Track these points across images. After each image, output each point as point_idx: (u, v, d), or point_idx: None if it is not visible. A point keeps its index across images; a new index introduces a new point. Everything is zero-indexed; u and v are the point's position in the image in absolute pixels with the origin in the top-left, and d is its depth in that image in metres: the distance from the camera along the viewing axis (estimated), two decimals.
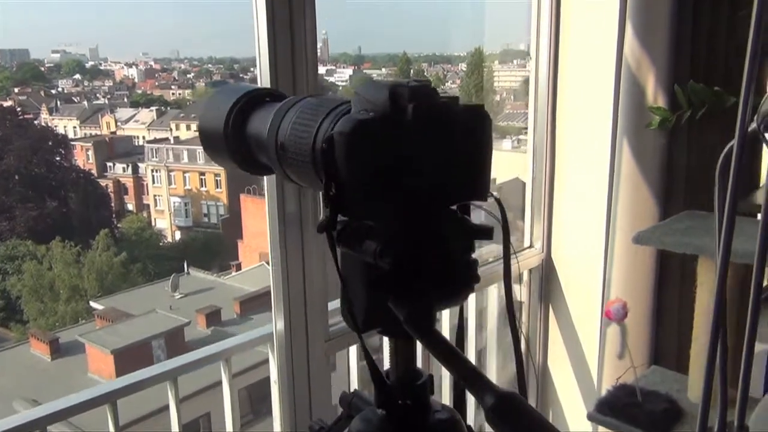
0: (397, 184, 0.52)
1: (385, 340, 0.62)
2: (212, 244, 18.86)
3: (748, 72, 0.78)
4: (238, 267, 15.75)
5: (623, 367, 1.99)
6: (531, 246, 2.26)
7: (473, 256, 0.59)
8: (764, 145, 0.79)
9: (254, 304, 12.40)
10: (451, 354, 0.50)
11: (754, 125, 0.78)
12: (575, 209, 2.18)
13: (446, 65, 20.06)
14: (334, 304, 1.78)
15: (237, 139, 0.71)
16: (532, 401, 2.36)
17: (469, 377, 0.48)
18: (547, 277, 2.26)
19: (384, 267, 0.53)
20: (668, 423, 1.65)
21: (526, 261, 2.22)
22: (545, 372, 2.34)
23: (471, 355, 2.28)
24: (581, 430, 2.20)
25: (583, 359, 2.22)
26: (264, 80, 1.41)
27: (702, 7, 1.95)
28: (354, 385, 1.88)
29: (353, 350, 1.85)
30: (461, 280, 0.58)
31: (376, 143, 0.51)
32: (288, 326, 1.59)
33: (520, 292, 2.31)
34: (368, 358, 0.59)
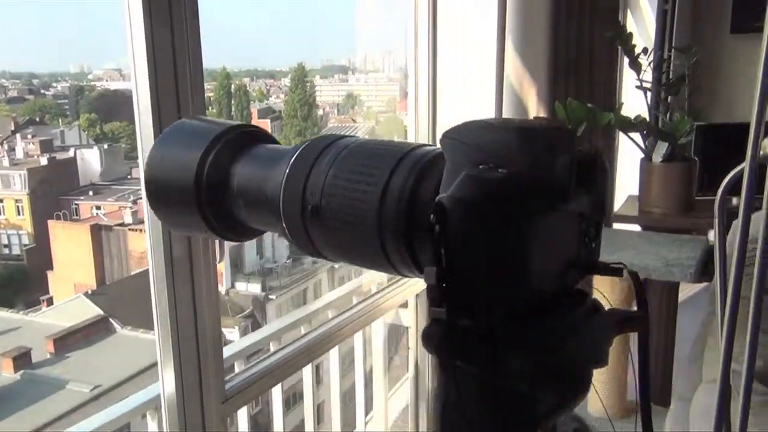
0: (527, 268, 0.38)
1: None
2: (15, 278, 16.90)
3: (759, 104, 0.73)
4: (50, 301, 14.22)
5: None
6: None
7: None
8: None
9: (71, 340, 11.28)
10: None
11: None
12: None
13: (269, 80, 19.75)
14: (228, 351, 1.57)
15: (215, 197, 0.52)
16: (422, 424, 2.28)
17: None
18: None
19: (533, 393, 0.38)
20: None
21: (411, 288, 2.13)
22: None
23: (360, 388, 2.15)
24: None
25: None
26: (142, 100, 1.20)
27: (570, 30, 2.00)
28: None
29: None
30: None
31: (520, 208, 0.37)
32: (180, 387, 1.35)
33: (408, 317, 2.22)
34: None
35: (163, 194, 0.55)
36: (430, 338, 0.39)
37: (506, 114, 1.94)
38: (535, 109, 1.92)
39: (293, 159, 0.48)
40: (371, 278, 2.29)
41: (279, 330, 1.83)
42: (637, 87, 2.01)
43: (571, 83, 2.04)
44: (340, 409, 2.05)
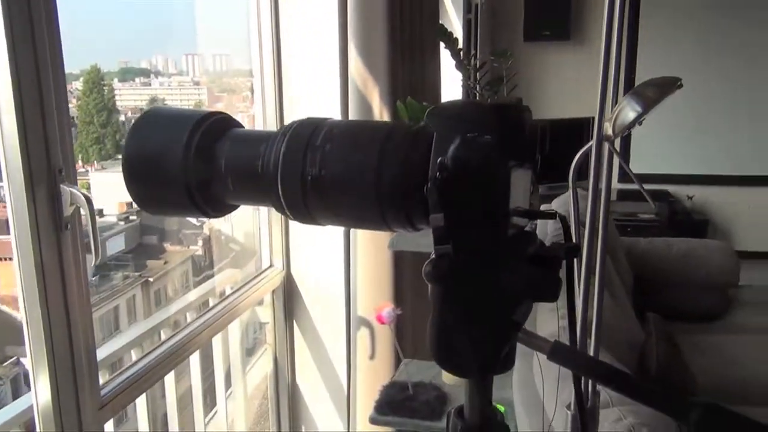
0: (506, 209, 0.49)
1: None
2: None
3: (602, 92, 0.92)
4: None
5: (375, 369, 2.12)
6: (271, 265, 2.23)
7: None
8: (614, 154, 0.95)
9: None
10: (623, 376, 0.49)
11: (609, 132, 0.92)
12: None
13: None
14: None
15: (201, 176, 0.58)
16: (284, 421, 2.34)
17: (657, 396, 0.47)
18: (289, 295, 2.26)
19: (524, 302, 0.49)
20: (442, 407, 1.81)
21: (268, 283, 2.19)
22: (295, 390, 2.34)
23: (221, 390, 2.16)
24: None
25: (332, 368, 2.28)
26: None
27: (405, 35, 2.19)
28: None
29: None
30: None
31: (499, 167, 0.48)
32: (56, 397, 1.30)
33: (265, 313, 2.27)
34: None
35: (145, 175, 0.59)
36: (437, 270, 0.50)
37: (352, 112, 2.06)
38: (378, 108, 2.07)
39: (287, 138, 0.55)
40: (227, 276, 2.31)
41: (140, 336, 1.80)
42: (465, 87, 2.24)
43: (407, 84, 2.22)
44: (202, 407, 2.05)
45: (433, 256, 0.50)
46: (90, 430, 1.38)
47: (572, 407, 1.04)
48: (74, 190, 1.23)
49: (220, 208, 0.61)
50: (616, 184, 4.97)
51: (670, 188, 5.10)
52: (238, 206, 0.63)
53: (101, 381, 1.45)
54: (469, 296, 0.50)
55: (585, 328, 1.04)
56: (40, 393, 1.29)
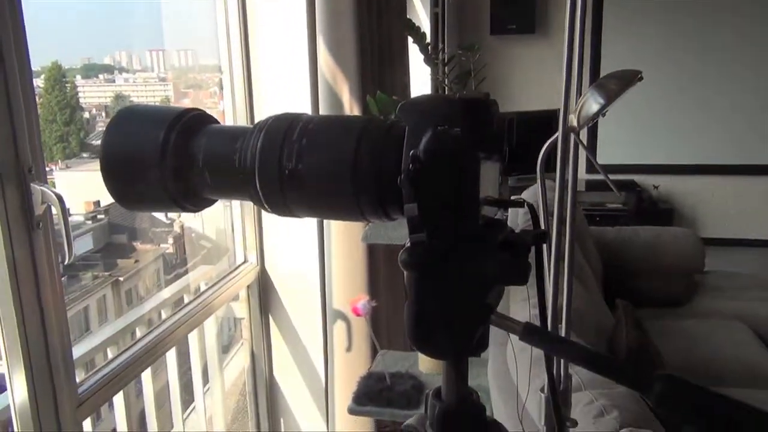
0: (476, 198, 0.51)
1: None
2: None
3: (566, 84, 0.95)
4: None
5: (352, 361, 2.14)
6: (246, 261, 2.24)
7: None
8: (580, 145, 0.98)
9: None
10: (591, 354, 0.51)
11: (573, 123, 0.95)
12: (285, 219, 2.23)
13: None
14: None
15: (179, 171, 0.59)
16: (263, 415, 2.35)
17: (623, 371, 0.50)
18: (264, 290, 2.27)
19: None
20: (419, 397, 1.84)
21: (243, 279, 2.19)
22: (273, 384, 2.35)
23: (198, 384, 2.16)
24: (316, 431, 2.29)
25: (309, 362, 2.30)
26: None
27: (372, 30, 2.20)
28: None
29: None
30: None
31: (468, 158, 0.50)
32: (32, 395, 1.30)
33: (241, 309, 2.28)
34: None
35: (122, 171, 0.60)
36: (412, 257, 0.52)
37: (322, 106, 2.07)
38: (348, 103, 2.08)
39: (264, 132, 0.57)
40: (202, 272, 2.31)
41: (114, 335, 1.80)
42: (434, 80, 2.27)
43: (376, 79, 2.24)
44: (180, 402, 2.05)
45: (408, 244, 0.52)
46: (68, 428, 1.38)
47: (545, 390, 1.08)
48: (45, 189, 1.23)
49: (198, 202, 0.63)
50: (584, 175, 5.06)
51: (637, 178, 5.21)
52: (216, 200, 0.64)
53: (77, 380, 1.45)
54: (443, 282, 0.53)
55: (555, 315, 1.07)
56: (17, 392, 1.29)
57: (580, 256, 2.45)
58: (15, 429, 1.31)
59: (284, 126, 0.57)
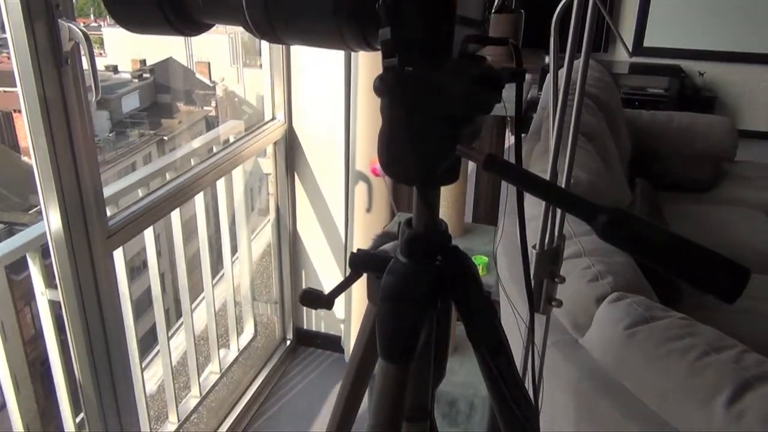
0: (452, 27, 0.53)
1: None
2: None
3: None
4: None
5: (371, 221, 2.22)
6: (274, 118, 2.28)
7: None
8: None
9: None
10: (548, 185, 0.54)
11: None
12: (313, 77, 2.25)
13: None
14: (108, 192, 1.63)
15: None
16: (285, 266, 2.49)
17: (574, 202, 0.52)
18: (290, 147, 2.33)
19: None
20: None
21: (271, 135, 2.25)
22: (296, 238, 2.46)
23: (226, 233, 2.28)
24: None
25: (331, 219, 2.39)
26: None
27: None
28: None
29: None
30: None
31: None
32: (66, 224, 1.40)
33: (268, 165, 2.35)
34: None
35: None
36: (384, 83, 0.55)
37: None
38: None
39: None
40: (232, 127, 2.37)
41: (147, 176, 1.89)
42: None
43: None
44: (209, 254, 2.18)
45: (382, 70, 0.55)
46: (99, 257, 1.50)
47: (537, 247, 1.13)
48: (72, 26, 1.26)
49: (193, 26, 0.66)
50: (627, 58, 4.88)
51: (683, 63, 5.00)
52: (213, 25, 0.67)
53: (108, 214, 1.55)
54: (413, 109, 0.56)
55: (555, 174, 1.11)
56: (52, 221, 1.39)
57: (606, 135, 2.43)
58: (52, 253, 1.44)
59: None
